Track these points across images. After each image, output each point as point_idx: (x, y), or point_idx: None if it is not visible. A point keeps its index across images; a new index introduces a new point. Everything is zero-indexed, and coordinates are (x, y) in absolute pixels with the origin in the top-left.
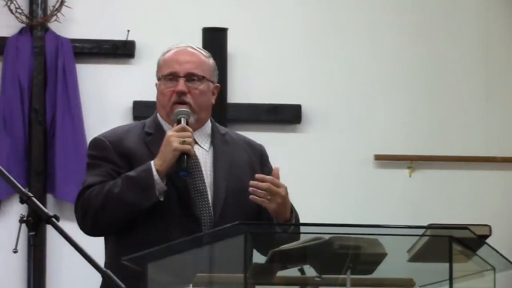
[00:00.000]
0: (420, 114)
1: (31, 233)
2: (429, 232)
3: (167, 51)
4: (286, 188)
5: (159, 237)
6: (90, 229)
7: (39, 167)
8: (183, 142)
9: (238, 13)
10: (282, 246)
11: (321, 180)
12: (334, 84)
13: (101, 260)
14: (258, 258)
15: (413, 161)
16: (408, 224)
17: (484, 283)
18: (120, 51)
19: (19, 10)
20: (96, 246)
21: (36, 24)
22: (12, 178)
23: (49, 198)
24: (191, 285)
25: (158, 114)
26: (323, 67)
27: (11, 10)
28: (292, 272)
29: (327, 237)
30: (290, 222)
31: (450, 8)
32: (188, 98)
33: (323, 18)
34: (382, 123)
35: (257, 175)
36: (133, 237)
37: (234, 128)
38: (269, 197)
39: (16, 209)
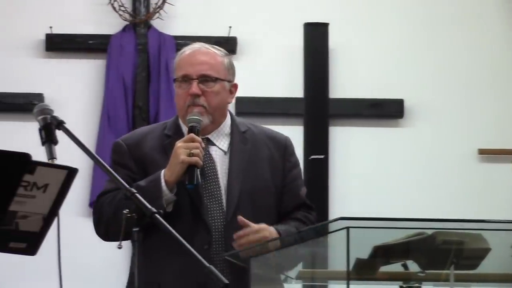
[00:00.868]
0: None
1: (135, 229)
2: None
3: (182, 52)
4: (264, 229)
5: (173, 242)
6: (103, 236)
7: None
8: (191, 154)
9: (339, 7)
10: (385, 242)
11: (424, 175)
12: (437, 78)
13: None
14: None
15: None
16: None
17: None
18: (222, 47)
19: (122, 8)
20: None
21: (139, 21)
22: (117, 175)
23: None
24: (293, 280)
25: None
26: (425, 61)
27: (114, 8)
28: (395, 267)
29: (430, 232)
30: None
31: None
32: (202, 100)
33: (425, 12)
34: (486, 117)
35: (239, 218)
36: (149, 241)
37: (336, 124)
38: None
39: None
